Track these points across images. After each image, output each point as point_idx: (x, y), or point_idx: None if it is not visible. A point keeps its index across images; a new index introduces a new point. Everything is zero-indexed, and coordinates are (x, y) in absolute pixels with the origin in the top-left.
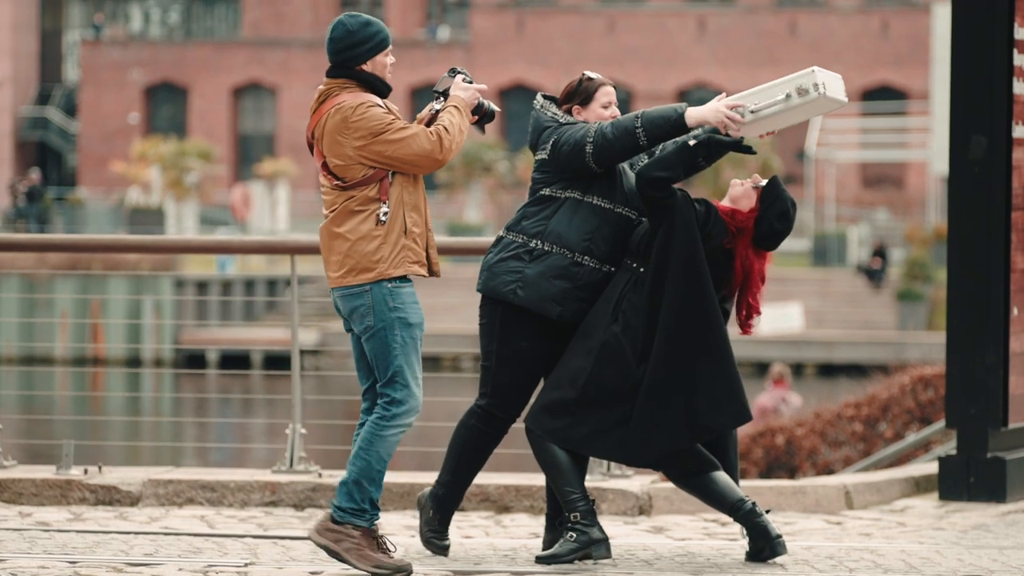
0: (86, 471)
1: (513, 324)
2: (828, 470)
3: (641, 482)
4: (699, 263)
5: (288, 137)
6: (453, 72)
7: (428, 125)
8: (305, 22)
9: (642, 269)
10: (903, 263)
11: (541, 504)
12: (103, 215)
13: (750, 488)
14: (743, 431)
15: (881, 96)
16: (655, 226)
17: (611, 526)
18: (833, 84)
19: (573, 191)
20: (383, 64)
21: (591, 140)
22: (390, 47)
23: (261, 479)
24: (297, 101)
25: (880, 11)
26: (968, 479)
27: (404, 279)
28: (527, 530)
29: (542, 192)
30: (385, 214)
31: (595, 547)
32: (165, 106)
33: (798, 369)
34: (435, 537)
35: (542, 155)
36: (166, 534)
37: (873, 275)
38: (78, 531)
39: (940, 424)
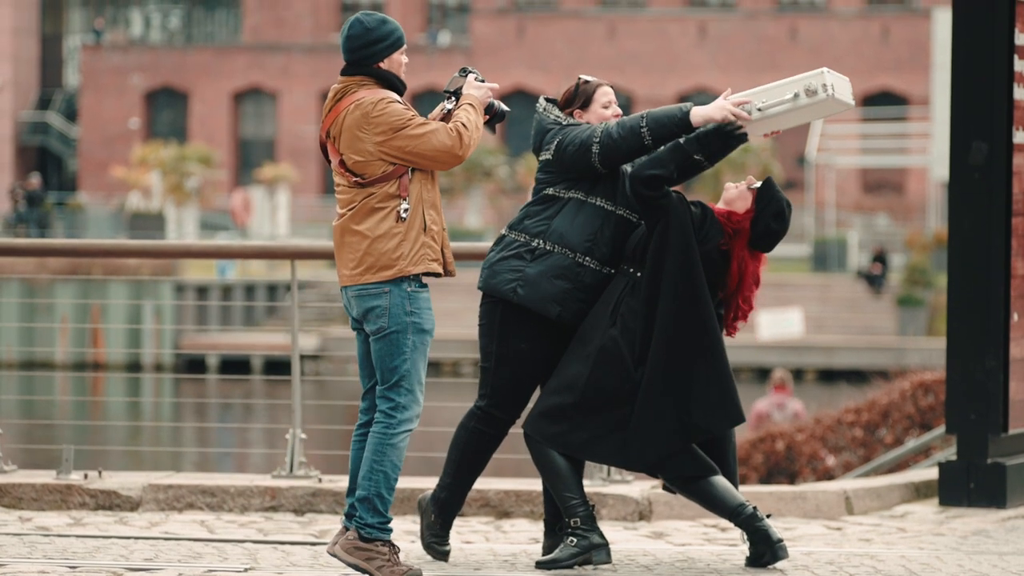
0: (86, 476)
1: (513, 324)
2: (828, 476)
3: (641, 487)
4: (695, 265)
5: (288, 142)
6: (464, 72)
7: None
8: (306, 27)
9: (639, 274)
10: (903, 269)
11: (541, 509)
12: (103, 220)
13: (750, 494)
14: (743, 437)
15: (881, 101)
16: (651, 228)
17: (611, 531)
18: (842, 86)
19: (577, 191)
20: (399, 62)
21: (597, 140)
22: (405, 46)
23: (261, 484)
24: (297, 106)
25: (880, 16)
26: (968, 485)
27: (422, 284)
28: (527, 535)
29: (545, 191)
30: (406, 211)
31: (595, 552)
32: (165, 111)
33: (798, 375)
34: (436, 542)
35: (546, 156)
36: (166, 539)
37: (873, 281)
38: (78, 536)
39: (940, 430)
